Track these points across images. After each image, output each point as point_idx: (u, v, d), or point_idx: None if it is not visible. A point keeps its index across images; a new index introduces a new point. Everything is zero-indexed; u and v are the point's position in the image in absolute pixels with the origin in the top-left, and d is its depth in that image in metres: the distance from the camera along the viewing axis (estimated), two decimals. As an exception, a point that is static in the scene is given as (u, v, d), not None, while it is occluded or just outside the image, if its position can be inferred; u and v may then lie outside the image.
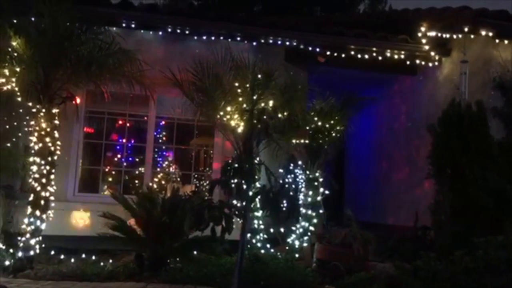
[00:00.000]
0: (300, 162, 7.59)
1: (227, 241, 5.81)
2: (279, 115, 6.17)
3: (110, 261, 6.39)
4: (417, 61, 8.56)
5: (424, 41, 8.22)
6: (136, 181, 8.43)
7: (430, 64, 8.60)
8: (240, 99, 5.82)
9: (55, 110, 6.17)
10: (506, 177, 6.59)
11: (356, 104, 7.08)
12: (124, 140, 8.44)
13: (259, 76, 5.92)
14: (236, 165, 4.92)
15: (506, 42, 7.33)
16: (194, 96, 6.11)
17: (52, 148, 6.13)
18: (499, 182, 6.37)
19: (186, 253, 5.90)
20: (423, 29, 8.03)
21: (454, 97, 7.34)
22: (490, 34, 7.18)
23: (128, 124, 8.43)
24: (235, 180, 4.88)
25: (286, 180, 7.89)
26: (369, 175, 11.06)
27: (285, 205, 6.74)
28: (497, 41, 7.34)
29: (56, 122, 6.19)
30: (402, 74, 9.35)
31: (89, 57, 6.20)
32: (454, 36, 7.82)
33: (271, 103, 5.98)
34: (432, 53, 8.36)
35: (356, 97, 7.16)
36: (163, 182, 8.57)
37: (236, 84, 5.90)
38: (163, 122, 8.62)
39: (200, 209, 4.40)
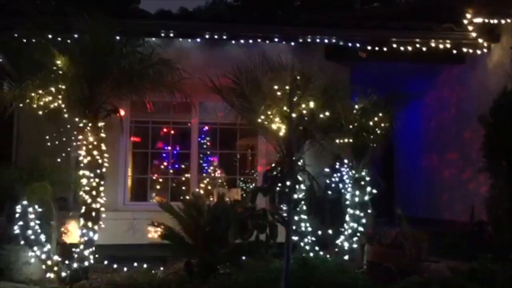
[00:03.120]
0: (346, 161, 7.44)
1: (276, 244, 5.76)
2: (321, 116, 6.07)
3: (161, 268, 6.49)
4: (464, 49, 8.19)
5: (470, 28, 7.86)
6: (183, 187, 8.54)
7: (479, 52, 8.21)
8: (280, 102, 5.76)
9: (100, 124, 6.32)
10: None
11: (400, 100, 6.85)
12: (169, 148, 8.58)
13: (298, 77, 5.85)
14: (278, 171, 4.85)
15: (560, 23, 6.89)
16: (234, 101, 6.11)
17: (100, 161, 6.29)
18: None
19: (234, 259, 5.90)
20: (468, 16, 7.68)
21: (506, 85, 6.99)
22: (542, 16, 6.78)
23: (172, 132, 8.56)
24: (279, 186, 4.81)
25: (333, 179, 7.78)
26: (420, 169, 10.72)
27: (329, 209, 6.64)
28: (550, 23, 6.91)
29: (103, 135, 6.34)
30: (449, 64, 8.99)
31: (130, 70, 6.32)
32: (503, 21, 7.43)
33: (312, 104, 5.89)
34: (480, 40, 7.98)
35: (400, 93, 6.92)
36: (209, 187, 8.63)
37: (276, 87, 5.84)
38: (207, 128, 8.69)
39: (243, 218, 4.38)
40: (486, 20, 7.59)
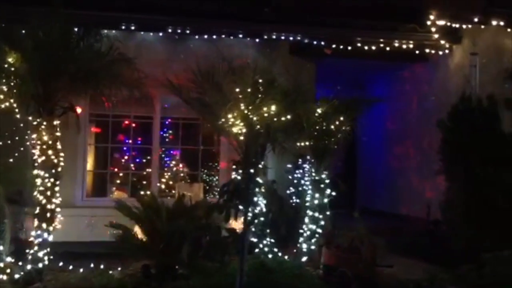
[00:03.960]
0: (308, 157, 7.46)
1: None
2: (283, 118, 6.05)
3: (119, 268, 6.40)
4: (427, 50, 8.29)
5: (433, 29, 7.92)
6: (144, 182, 8.42)
7: (441, 52, 8.32)
8: (242, 106, 5.69)
9: (56, 122, 6.11)
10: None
11: (362, 105, 6.89)
12: (130, 142, 8.41)
13: (260, 80, 5.78)
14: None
15: (519, 31, 7.02)
16: (195, 103, 6.02)
17: (56, 161, 6.08)
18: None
19: (193, 262, 5.86)
20: (432, 17, 7.74)
21: (464, 90, 7.12)
22: (502, 23, 6.88)
23: (133, 125, 8.38)
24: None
25: (295, 175, 7.83)
26: (381, 164, 10.89)
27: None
28: (509, 30, 7.02)
29: (58, 134, 6.13)
30: (413, 62, 9.09)
31: (87, 66, 6.07)
32: (464, 26, 7.52)
33: (273, 107, 5.84)
34: (442, 42, 8.07)
35: (361, 98, 6.97)
36: (170, 182, 8.54)
37: (237, 90, 5.76)
38: (169, 121, 8.55)
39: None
40: (449, 24, 7.66)
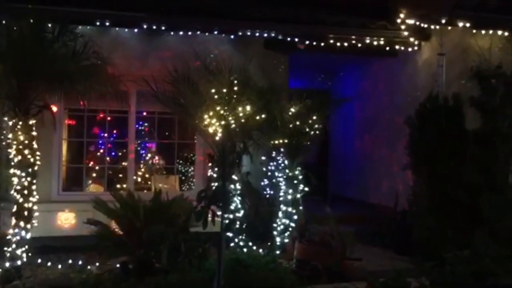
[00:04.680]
0: (282, 149, 7.66)
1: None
2: (257, 117, 6.22)
3: (97, 264, 6.54)
4: (397, 47, 8.52)
5: (403, 27, 8.16)
6: (120, 175, 8.49)
7: (410, 49, 8.58)
8: (218, 107, 5.82)
9: (32, 122, 6.13)
10: (481, 169, 6.76)
11: (333, 104, 7.12)
12: (105, 135, 8.45)
13: (235, 81, 5.91)
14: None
15: (483, 32, 7.30)
16: (170, 104, 6.13)
17: (32, 160, 6.13)
18: (474, 177, 6.52)
19: (171, 258, 6.02)
20: (402, 15, 7.96)
21: (431, 89, 7.40)
22: (468, 25, 7.15)
23: (109, 118, 8.40)
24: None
25: (269, 167, 8.05)
26: (352, 154, 11.21)
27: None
28: (474, 31, 7.32)
29: (34, 133, 6.16)
30: (383, 57, 9.32)
31: (62, 66, 6.06)
32: (432, 27, 7.78)
33: (248, 107, 5.99)
34: (412, 39, 8.32)
35: (333, 98, 7.19)
36: (146, 175, 8.64)
37: (213, 91, 5.88)
38: (145, 115, 8.60)
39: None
40: (418, 23, 7.90)
